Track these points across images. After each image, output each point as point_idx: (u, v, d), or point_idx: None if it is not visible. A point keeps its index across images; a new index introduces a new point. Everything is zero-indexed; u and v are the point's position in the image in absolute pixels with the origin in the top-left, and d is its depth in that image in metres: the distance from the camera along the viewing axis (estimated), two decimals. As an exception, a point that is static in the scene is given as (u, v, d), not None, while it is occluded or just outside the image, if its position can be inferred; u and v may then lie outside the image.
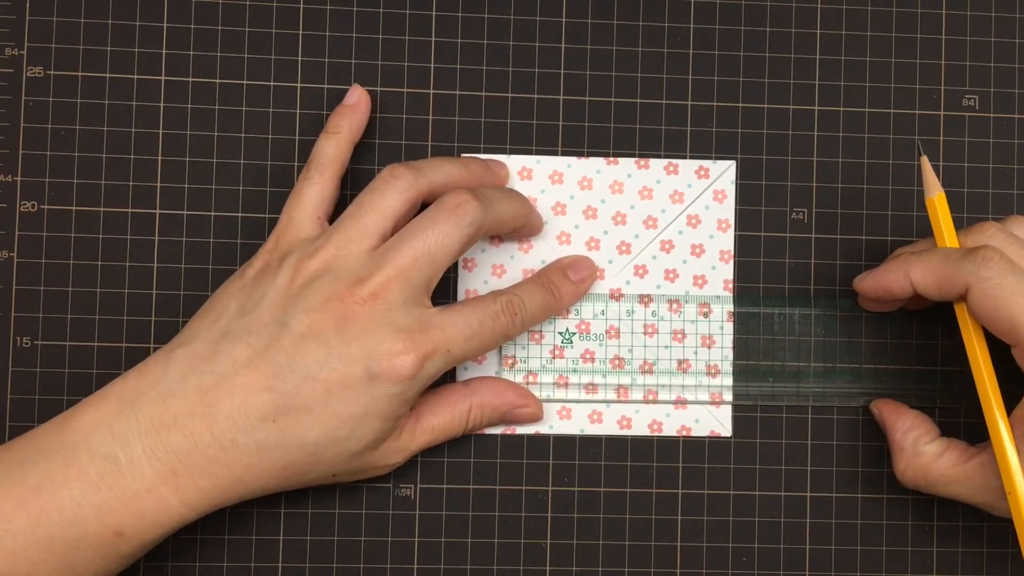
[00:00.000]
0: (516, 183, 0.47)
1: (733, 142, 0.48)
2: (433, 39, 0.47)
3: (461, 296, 0.46)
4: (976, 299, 0.40)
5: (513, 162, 0.47)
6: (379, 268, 0.40)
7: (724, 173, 0.47)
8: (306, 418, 0.39)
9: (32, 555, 0.38)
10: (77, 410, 0.40)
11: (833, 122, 0.48)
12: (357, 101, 0.45)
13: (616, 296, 0.47)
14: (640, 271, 0.47)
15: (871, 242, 0.48)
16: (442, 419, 0.44)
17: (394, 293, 0.40)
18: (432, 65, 0.47)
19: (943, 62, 0.48)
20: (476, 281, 0.46)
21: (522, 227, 0.45)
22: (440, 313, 0.41)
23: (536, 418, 0.46)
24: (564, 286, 0.45)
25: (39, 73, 0.46)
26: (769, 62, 0.48)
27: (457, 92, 0.47)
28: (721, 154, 0.47)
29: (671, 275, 0.47)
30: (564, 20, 0.47)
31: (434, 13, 0.47)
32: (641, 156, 0.47)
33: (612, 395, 0.46)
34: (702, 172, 0.47)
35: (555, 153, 0.47)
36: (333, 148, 0.44)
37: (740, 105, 0.48)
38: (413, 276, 0.40)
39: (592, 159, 0.47)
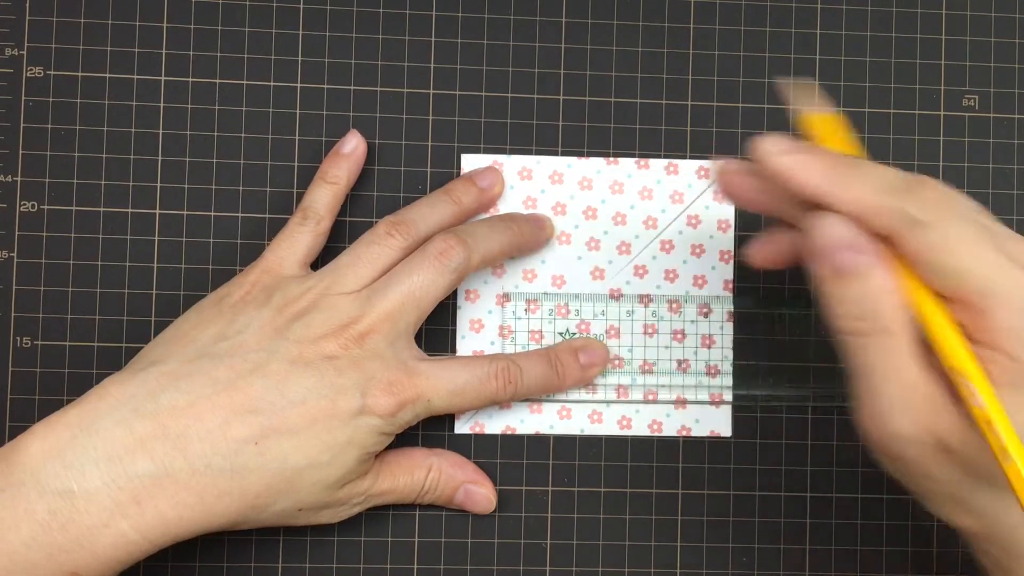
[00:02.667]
0: (516, 183, 0.47)
1: (733, 142, 0.48)
2: (433, 39, 0.47)
3: (461, 295, 0.46)
4: (914, 248, 0.34)
5: (513, 162, 0.47)
6: (367, 311, 0.40)
7: (724, 173, 0.47)
8: (289, 441, 0.39)
9: None
10: (20, 442, 0.37)
11: (833, 122, 0.48)
12: (354, 150, 0.45)
13: (616, 296, 0.47)
14: (640, 271, 0.47)
15: (871, 242, 0.48)
16: (403, 468, 0.43)
17: (381, 335, 0.40)
18: (432, 65, 0.47)
19: (943, 62, 0.48)
20: (476, 280, 0.46)
21: (525, 248, 0.45)
22: (429, 362, 0.42)
23: (489, 505, 0.45)
24: (571, 367, 0.45)
25: (39, 73, 0.46)
26: (769, 62, 0.48)
27: (457, 92, 0.47)
28: (721, 154, 0.47)
29: (671, 275, 0.47)
30: (564, 20, 0.47)
31: (434, 13, 0.47)
32: (641, 156, 0.47)
33: (612, 395, 0.46)
34: (702, 172, 0.47)
35: (555, 153, 0.47)
36: (331, 199, 0.44)
37: (740, 105, 0.48)
38: (399, 320, 0.41)
39: (592, 159, 0.47)
